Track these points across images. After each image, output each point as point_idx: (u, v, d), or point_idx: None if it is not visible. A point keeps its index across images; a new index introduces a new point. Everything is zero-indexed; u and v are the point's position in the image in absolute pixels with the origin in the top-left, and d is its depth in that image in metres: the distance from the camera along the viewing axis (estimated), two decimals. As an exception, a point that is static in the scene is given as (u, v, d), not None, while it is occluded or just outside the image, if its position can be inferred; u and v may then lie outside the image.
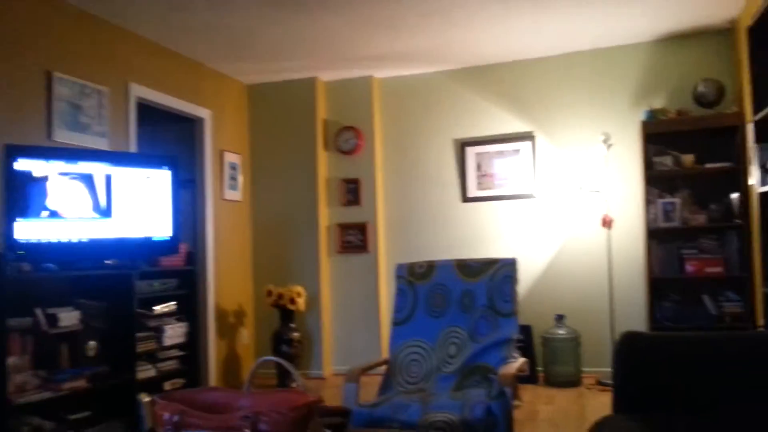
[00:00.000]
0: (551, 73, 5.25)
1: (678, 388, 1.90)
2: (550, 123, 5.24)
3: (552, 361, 4.90)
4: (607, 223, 4.87)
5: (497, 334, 2.93)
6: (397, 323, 3.17)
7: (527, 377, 4.96)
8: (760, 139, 3.09)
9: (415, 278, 3.23)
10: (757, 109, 3.05)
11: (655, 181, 4.77)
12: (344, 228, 5.64)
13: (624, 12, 4.37)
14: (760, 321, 4.00)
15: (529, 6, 4.19)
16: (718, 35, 4.81)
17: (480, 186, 5.41)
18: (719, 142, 4.63)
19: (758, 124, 3.07)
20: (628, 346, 1.94)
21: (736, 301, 4.56)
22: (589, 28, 4.66)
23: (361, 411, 2.52)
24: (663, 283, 4.74)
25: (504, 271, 3.07)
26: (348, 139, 5.62)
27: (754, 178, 3.12)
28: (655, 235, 4.74)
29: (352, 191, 5.65)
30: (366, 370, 2.82)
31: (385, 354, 5.08)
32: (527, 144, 5.28)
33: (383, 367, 3.07)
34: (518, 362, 2.71)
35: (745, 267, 4.45)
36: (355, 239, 5.62)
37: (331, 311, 5.65)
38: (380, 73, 5.61)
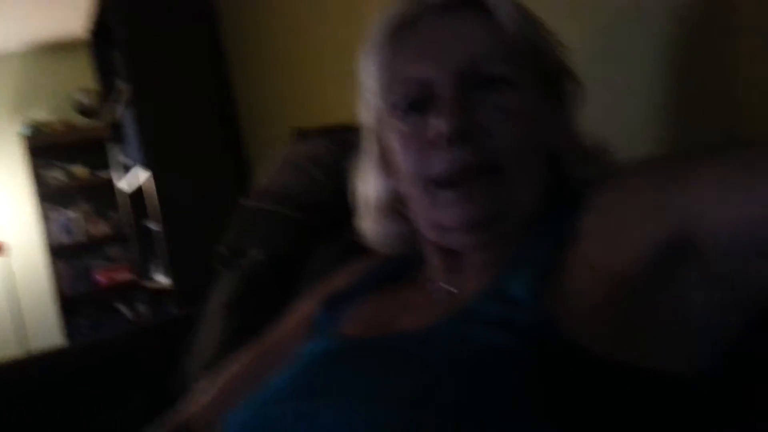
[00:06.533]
0: None
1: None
2: None
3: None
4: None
5: None
6: None
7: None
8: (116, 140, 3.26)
9: None
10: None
11: (49, 196, 4.51)
12: None
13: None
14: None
15: None
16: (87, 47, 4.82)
17: None
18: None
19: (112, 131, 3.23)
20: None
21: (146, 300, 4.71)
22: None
23: None
24: (77, 300, 4.56)
25: None
26: None
27: (121, 180, 3.27)
28: (60, 253, 4.51)
29: None
30: None
31: None
32: None
33: None
34: None
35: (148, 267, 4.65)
36: None
37: None
38: None
